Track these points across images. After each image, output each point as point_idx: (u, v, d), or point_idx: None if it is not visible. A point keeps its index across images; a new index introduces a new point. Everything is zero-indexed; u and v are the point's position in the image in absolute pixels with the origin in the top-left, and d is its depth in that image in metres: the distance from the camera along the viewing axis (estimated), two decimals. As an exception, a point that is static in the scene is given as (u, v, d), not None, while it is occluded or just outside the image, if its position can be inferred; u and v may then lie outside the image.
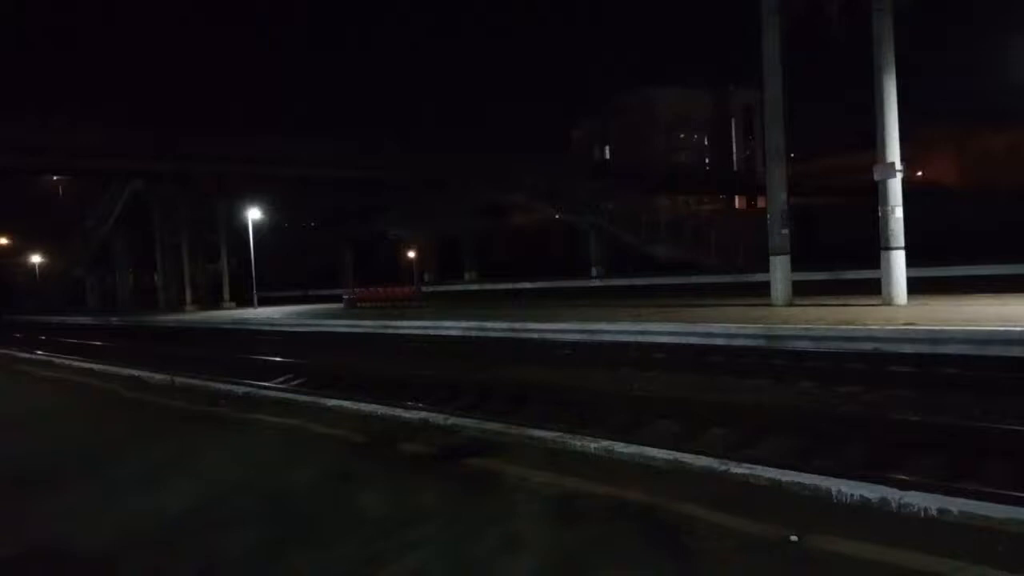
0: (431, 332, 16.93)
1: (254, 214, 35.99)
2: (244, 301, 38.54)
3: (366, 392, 9.53)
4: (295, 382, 11.71)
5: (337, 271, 56.54)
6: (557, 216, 46.28)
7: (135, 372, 11.52)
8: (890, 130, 15.10)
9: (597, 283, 36.26)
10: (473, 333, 15.76)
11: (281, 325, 22.66)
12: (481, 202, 48.57)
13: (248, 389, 9.25)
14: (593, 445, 4.81)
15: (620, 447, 4.74)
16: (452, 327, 16.47)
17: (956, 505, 3.48)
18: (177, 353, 17.14)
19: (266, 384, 10.60)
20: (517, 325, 15.02)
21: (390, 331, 18.09)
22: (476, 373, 11.28)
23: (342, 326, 20.26)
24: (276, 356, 14.74)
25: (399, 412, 6.67)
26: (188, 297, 40.75)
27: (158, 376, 10.80)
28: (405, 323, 18.29)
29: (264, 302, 38.07)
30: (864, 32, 15.57)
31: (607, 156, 74.70)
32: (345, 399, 7.74)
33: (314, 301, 42.27)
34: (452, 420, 6.12)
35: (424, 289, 37.29)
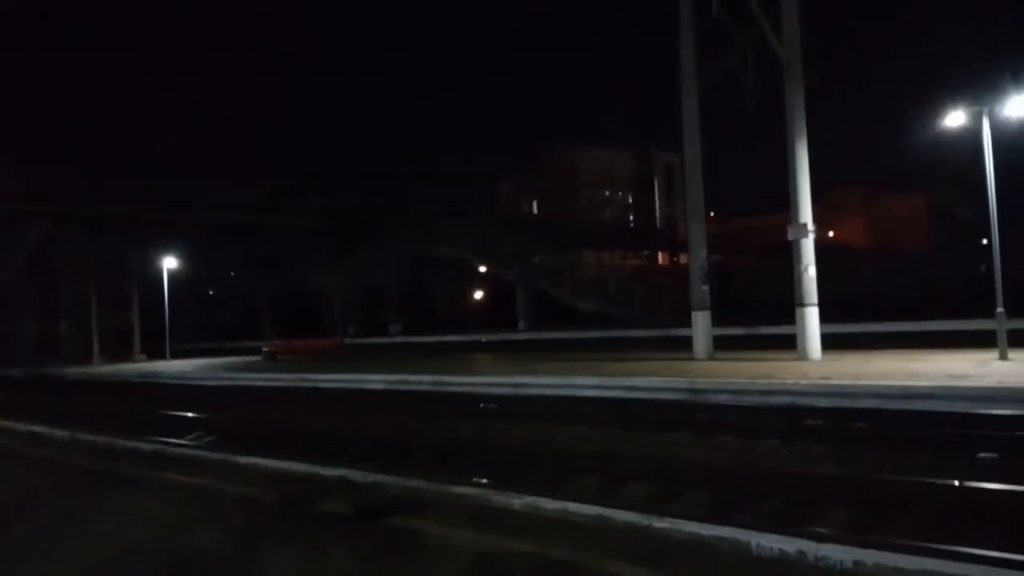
0: (353, 386, 16.55)
1: (169, 262, 34.84)
2: (156, 353, 37.01)
3: (281, 449, 9.17)
4: (206, 439, 11.20)
5: (257, 323, 55.06)
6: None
7: (34, 428, 10.84)
8: (802, 193, 15.83)
9: (523, 336, 36.40)
10: (397, 387, 15.49)
11: (194, 378, 21.80)
12: (408, 254, 48.41)
13: (155, 446, 8.79)
14: (517, 501, 4.72)
15: (544, 503, 4.67)
16: (375, 380, 16.15)
17: (870, 557, 3.53)
18: (81, 408, 16.22)
19: (175, 441, 10.10)
20: (442, 378, 14.85)
21: (309, 384, 17.61)
22: (399, 428, 11.04)
23: (259, 379, 19.63)
24: (187, 411, 14.11)
25: (316, 469, 6.44)
26: (96, 348, 38.84)
27: (59, 432, 10.17)
28: (326, 376, 17.85)
29: (178, 354, 36.65)
30: (779, 100, 16.43)
31: (534, 211, 75.84)
32: (259, 456, 7.43)
33: (231, 354, 40.94)
34: (372, 477, 5.93)
35: (348, 342, 36.64)
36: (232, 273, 61.21)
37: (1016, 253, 18.05)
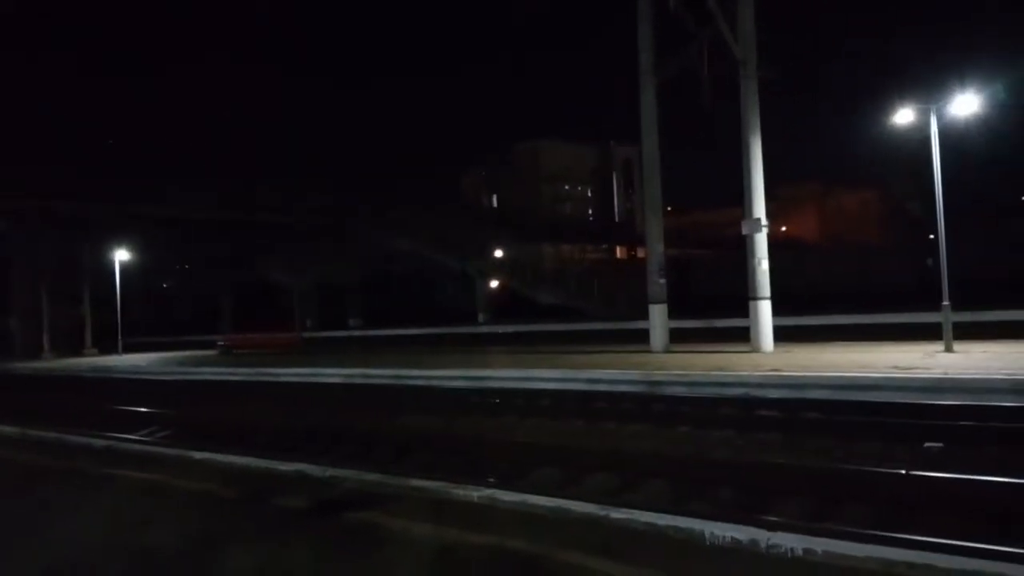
0: (311, 380, 16.40)
1: (122, 256, 34.03)
2: (109, 348, 36.18)
3: (238, 444, 9.08)
4: (161, 434, 11.01)
5: (215, 318, 54.10)
6: (445, 262, 46.36)
7: (-21, 425, 10.51)
8: (756, 188, 16.10)
9: (484, 329, 36.42)
10: (356, 380, 15.39)
11: (148, 373, 21.38)
12: (369, 248, 48.01)
13: (108, 442, 8.61)
14: (476, 494, 4.75)
15: (504, 495, 4.70)
16: (334, 374, 16.03)
17: (820, 545, 3.63)
18: (30, 403, 15.80)
19: (129, 437, 9.91)
20: (402, 372, 14.80)
21: (267, 379, 17.40)
22: (358, 422, 10.99)
23: (214, 374, 19.33)
24: (141, 406, 13.84)
25: (274, 465, 6.38)
26: (46, 343, 37.80)
27: (7, 428, 9.90)
28: (284, 370, 17.65)
29: (132, 348, 35.86)
30: (734, 96, 16.67)
31: (495, 204, 75.86)
32: (215, 452, 7.33)
33: (187, 348, 40.18)
34: (331, 472, 5.90)
35: (306, 336, 36.23)
36: (187, 267, 60.08)
37: (962, 248, 18.65)
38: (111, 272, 33.98)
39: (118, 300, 33.49)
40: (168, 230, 42.50)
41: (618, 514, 4.17)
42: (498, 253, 43.06)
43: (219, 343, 31.71)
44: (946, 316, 13.38)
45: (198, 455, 7.14)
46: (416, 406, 12.45)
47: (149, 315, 49.49)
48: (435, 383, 13.97)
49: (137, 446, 8.55)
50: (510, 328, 32.98)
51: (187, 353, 33.39)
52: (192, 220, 41.79)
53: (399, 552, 4.15)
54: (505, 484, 5.65)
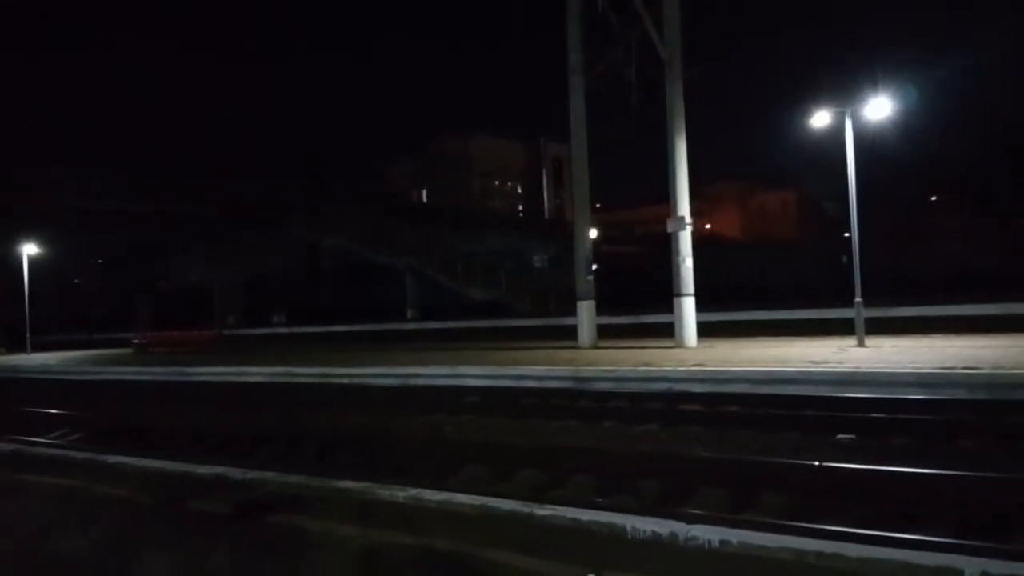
0: (232, 379, 15.98)
1: (30, 249, 32.39)
2: (16, 346, 34.43)
3: (153, 446, 8.78)
4: (72, 437, 10.55)
5: (132, 314, 52.05)
6: (373, 257, 45.77)
7: None
8: (681, 186, 16.46)
9: (413, 326, 36.15)
10: (280, 379, 15.08)
11: (58, 373, 20.46)
12: (295, 242, 46.99)
13: (15, 446, 8.21)
14: (402, 494, 4.72)
15: (429, 495, 4.68)
16: (256, 373, 15.66)
17: (735, 536, 3.74)
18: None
19: (38, 440, 9.45)
20: (328, 370, 14.57)
21: (185, 378, 16.88)
22: (281, 422, 10.77)
23: (129, 373, 18.65)
24: (50, 408, 13.23)
25: (191, 467, 6.19)
26: (-53, 342, 35.77)
27: (-100, 435, 9.32)
28: (203, 369, 17.16)
29: (42, 347, 34.24)
30: (662, 96, 16.99)
31: (424, 199, 75.39)
32: (129, 455, 7.07)
33: (101, 346, 38.61)
34: (251, 474, 5.76)
35: (228, 333, 35.27)
36: (101, 261, 57.59)
37: (876, 246, 19.49)
38: (18, 268, 32.31)
39: (26, 296, 31.87)
40: (81, 222, 40.70)
41: (542, 511, 4.20)
42: (428, 248, 42.76)
43: (134, 341, 30.55)
44: (859, 312, 13.96)
45: (111, 458, 6.88)
46: (342, 405, 12.27)
47: (61, 312, 47.32)
48: (362, 381, 13.80)
49: (47, 450, 8.17)
50: (439, 325, 32.85)
51: (101, 352, 32.09)
52: (105, 211, 40.13)
53: (323, 555, 4.09)
54: (432, 483, 5.63)
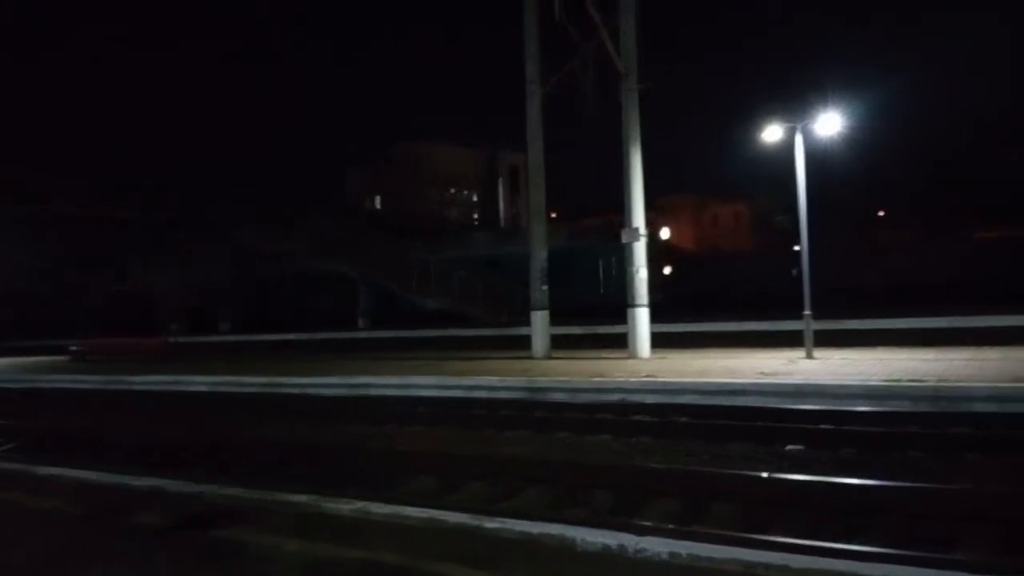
0: (175, 388, 15.56)
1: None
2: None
3: (89, 458, 8.46)
4: (3, 448, 10.14)
5: (74, 321, 50.38)
6: (325, 265, 45.20)
7: None
8: (636, 198, 16.59)
9: (365, 335, 35.74)
10: (224, 388, 14.73)
11: (-7, 380, 19.70)
12: (244, 248, 46.14)
13: (-59, 458, 7.84)
14: (347, 507, 4.61)
15: (376, 507, 4.59)
16: (200, 382, 15.28)
17: (684, 548, 3.73)
18: None
19: (-33, 451, 9.06)
20: (276, 379, 14.29)
21: (125, 387, 16.38)
22: (226, 432, 10.50)
23: (66, 382, 18.04)
24: (-18, 417, 12.70)
25: (128, 480, 5.98)
26: None
27: None
28: (144, 378, 16.68)
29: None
30: (619, 108, 17.12)
31: (379, 206, 74.87)
32: (63, 466, 6.80)
33: (39, 353, 37.32)
34: (191, 486, 5.59)
35: (172, 340, 34.42)
36: (39, 267, 55.68)
37: (825, 260, 19.90)
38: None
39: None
40: (19, 226, 39.36)
41: (492, 523, 4.14)
42: (382, 256, 42.34)
43: (72, 348, 29.54)
44: (808, 325, 14.20)
45: (44, 470, 6.61)
46: (290, 415, 12.02)
47: (-1, 320, 45.65)
48: (311, 391, 13.56)
49: (-25, 461, 7.82)
50: (392, 334, 32.54)
51: (38, 359, 31.05)
52: (45, 216, 38.92)
53: (266, 570, 3.97)
54: (380, 495, 5.52)
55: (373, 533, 4.36)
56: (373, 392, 12.93)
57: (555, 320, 18.11)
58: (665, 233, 35.40)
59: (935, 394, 8.97)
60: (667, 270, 34.51)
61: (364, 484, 6.94)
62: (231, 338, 39.32)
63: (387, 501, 4.84)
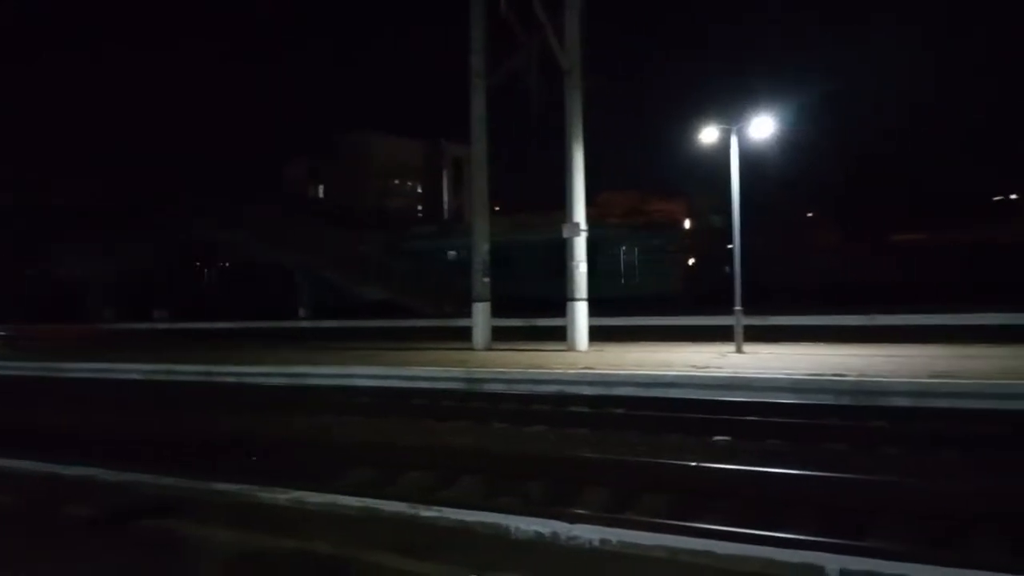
0: (108, 375, 15.14)
1: None
2: None
3: (17, 447, 8.20)
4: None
5: (4, 308, 48.24)
6: (265, 254, 44.35)
7: None
8: (577, 193, 16.80)
9: (305, 324, 35.25)
10: (159, 377, 14.40)
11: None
12: (183, 236, 44.91)
13: None
14: (283, 497, 4.62)
15: (312, 497, 4.60)
16: (133, 369, 14.90)
17: (615, 535, 3.87)
18: None
19: None
20: (213, 368, 14.04)
21: (54, 374, 15.86)
22: (159, 422, 10.30)
23: (-6, 368, 17.36)
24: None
25: (57, 469, 5.84)
26: None
27: None
28: (75, 365, 16.18)
29: None
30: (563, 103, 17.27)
31: (321, 196, 73.78)
32: (-11, 456, 6.59)
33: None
34: (124, 476, 5.50)
35: (107, 327, 33.36)
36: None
37: (757, 259, 20.48)
38: None
39: None
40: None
41: (428, 512, 4.21)
42: (323, 245, 41.74)
43: (2, 334, 28.49)
44: (738, 320, 14.64)
45: (-34, 461, 6.39)
46: (227, 404, 11.84)
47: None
48: (249, 380, 13.37)
49: None
50: (333, 324, 32.19)
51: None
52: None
53: (200, 561, 3.96)
54: (317, 485, 5.52)
55: (309, 523, 4.38)
56: (312, 382, 12.83)
57: (498, 312, 18.23)
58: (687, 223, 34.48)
59: (856, 388, 9.37)
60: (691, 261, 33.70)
61: (300, 475, 6.92)
62: (167, 326, 38.30)
63: (323, 491, 4.86)
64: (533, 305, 24.58)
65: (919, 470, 6.59)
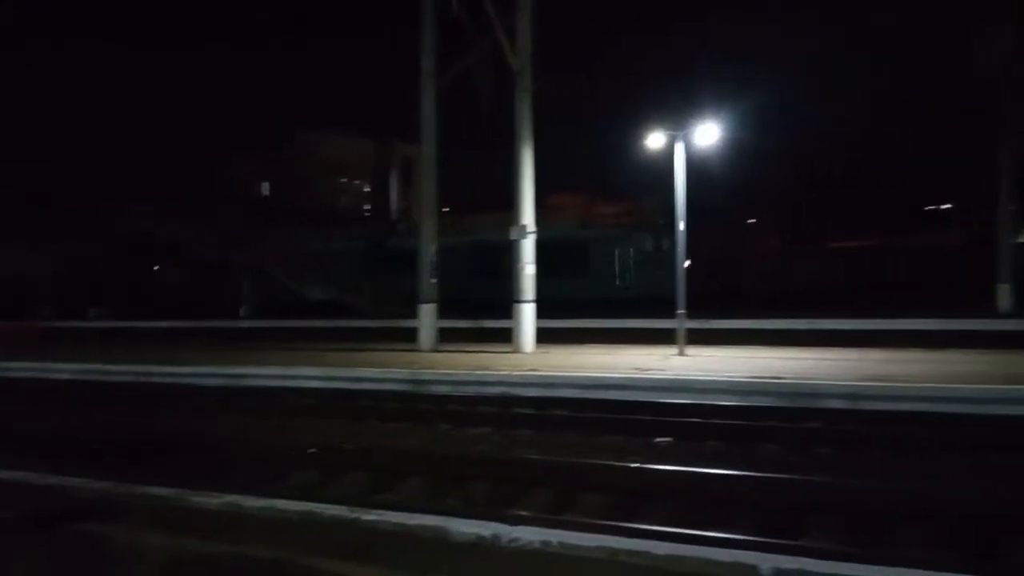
0: (39, 375, 14.62)
1: None
2: None
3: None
4: None
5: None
6: (208, 251, 43.39)
7: None
8: (526, 195, 16.85)
9: (248, 324, 34.60)
10: (91, 377, 13.95)
11: None
12: (123, 233, 43.67)
13: None
14: (217, 501, 4.52)
15: (249, 501, 4.52)
16: (64, 369, 14.41)
17: (555, 537, 3.90)
18: None
19: None
20: (148, 368, 13.67)
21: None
22: (90, 423, 9.98)
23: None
24: None
25: (-18, 472, 5.62)
26: None
27: None
28: (3, 364, 15.58)
29: None
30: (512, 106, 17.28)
31: (266, 193, 72.52)
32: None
33: None
34: (52, 479, 5.31)
35: (42, 325, 32.21)
36: None
37: (701, 263, 20.88)
38: None
39: None
40: None
41: (369, 516, 4.17)
42: (268, 244, 41.05)
43: None
44: (681, 323, 14.87)
45: None
46: (164, 406, 11.53)
47: None
48: (187, 380, 13.05)
49: None
50: (277, 324, 31.68)
51: None
52: None
53: (130, 566, 3.86)
54: (256, 489, 5.42)
55: (246, 527, 4.30)
56: (254, 383, 12.58)
57: (446, 314, 18.17)
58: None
59: (794, 390, 9.60)
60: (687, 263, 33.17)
61: (239, 478, 6.79)
62: (105, 325, 37.11)
63: (262, 494, 4.77)
64: (482, 307, 24.62)
65: (850, 470, 6.79)
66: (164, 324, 32.81)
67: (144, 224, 41.68)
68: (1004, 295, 24.26)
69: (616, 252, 31.19)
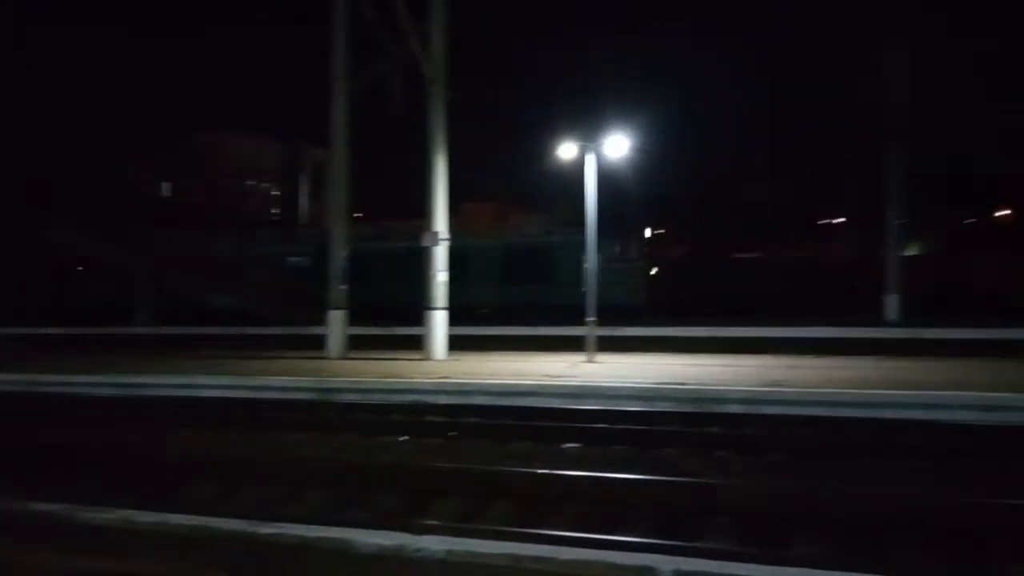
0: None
1: None
2: None
3: None
4: None
5: None
6: (100, 253, 41.24)
7: None
8: (439, 202, 16.80)
9: (144, 331, 33.11)
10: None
11: None
12: (6, 232, 40.96)
13: None
14: (107, 516, 4.28)
15: (140, 516, 4.29)
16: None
17: (460, 546, 3.87)
18: None
19: None
20: (34, 376, 12.89)
21: None
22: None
23: None
24: None
25: None
26: None
27: None
28: None
29: None
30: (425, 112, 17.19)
31: (167, 195, 69.80)
32: None
33: None
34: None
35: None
36: None
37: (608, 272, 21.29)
38: None
39: None
40: None
41: (267, 529, 4.03)
42: (168, 247, 39.33)
43: None
44: (591, 331, 15.14)
45: None
46: (50, 417, 10.87)
47: None
48: (76, 390, 12.37)
49: None
50: (176, 331, 30.46)
51: None
52: None
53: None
54: (150, 503, 5.17)
55: (137, 543, 4.09)
56: (150, 392, 12.05)
57: (357, 321, 17.88)
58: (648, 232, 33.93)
59: (696, 396, 9.91)
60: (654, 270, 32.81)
61: (133, 492, 6.47)
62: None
63: (155, 509, 4.55)
64: (395, 314, 24.34)
65: (746, 473, 7.05)
66: (50, 331, 31.05)
67: (28, 224, 39.27)
68: (891, 305, 25.77)
69: (579, 258, 31.24)
